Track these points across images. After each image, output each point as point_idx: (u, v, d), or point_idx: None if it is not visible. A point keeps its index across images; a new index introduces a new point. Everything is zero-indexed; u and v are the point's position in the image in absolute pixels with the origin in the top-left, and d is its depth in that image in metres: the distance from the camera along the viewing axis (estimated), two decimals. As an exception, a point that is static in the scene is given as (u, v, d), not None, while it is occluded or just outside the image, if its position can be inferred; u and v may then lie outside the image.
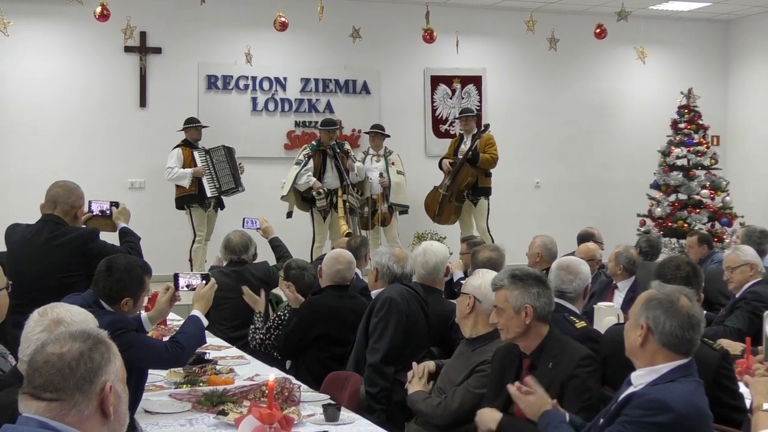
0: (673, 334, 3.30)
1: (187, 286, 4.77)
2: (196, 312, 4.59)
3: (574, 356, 3.94)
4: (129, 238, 5.78)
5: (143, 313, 4.55)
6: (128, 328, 4.13)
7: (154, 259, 5.83)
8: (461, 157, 11.70)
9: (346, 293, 5.95)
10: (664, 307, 3.32)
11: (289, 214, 11.33)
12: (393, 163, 11.96)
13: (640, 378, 3.35)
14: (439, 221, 12.20)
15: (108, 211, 5.89)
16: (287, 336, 5.86)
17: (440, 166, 12.03)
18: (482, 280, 4.57)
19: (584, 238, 8.56)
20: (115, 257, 4.46)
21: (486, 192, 11.90)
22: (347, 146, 11.82)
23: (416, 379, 4.64)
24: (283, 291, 6.26)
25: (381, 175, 11.81)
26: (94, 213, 5.85)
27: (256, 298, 6.35)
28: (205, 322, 4.58)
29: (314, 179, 11.22)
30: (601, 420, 3.43)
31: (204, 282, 4.74)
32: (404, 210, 12.09)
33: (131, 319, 4.37)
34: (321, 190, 11.22)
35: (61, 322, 3.25)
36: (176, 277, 4.81)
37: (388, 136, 12.09)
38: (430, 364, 4.70)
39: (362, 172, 11.72)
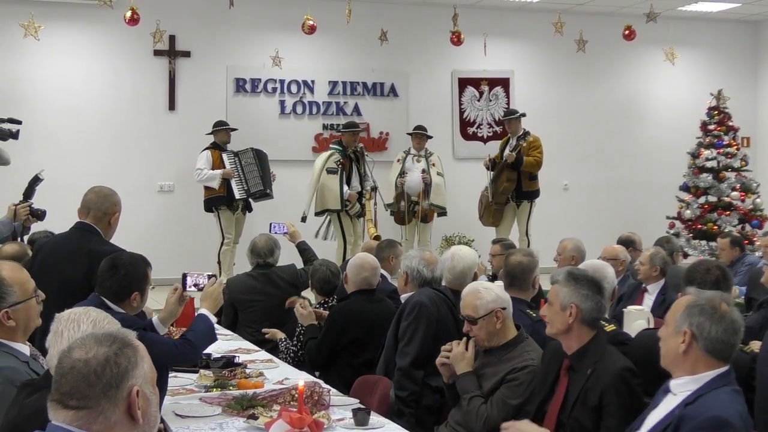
0: (718, 340, 3.26)
1: (195, 285, 4.68)
2: (204, 311, 4.57)
3: (614, 367, 3.90)
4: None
5: (154, 318, 4.53)
6: (137, 326, 4.09)
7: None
8: (505, 160, 11.60)
9: (374, 297, 5.95)
10: (707, 313, 3.28)
11: (305, 219, 11.06)
12: (434, 165, 11.92)
13: (681, 387, 3.29)
14: (482, 222, 12.13)
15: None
16: (319, 345, 5.80)
17: (484, 165, 11.93)
18: (495, 290, 4.56)
19: (625, 243, 8.49)
20: (116, 255, 4.50)
21: (530, 195, 11.78)
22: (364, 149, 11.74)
23: (462, 354, 4.50)
24: (297, 310, 6.13)
25: (423, 171, 11.78)
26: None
27: (304, 313, 6.11)
28: (214, 320, 4.55)
29: (350, 191, 11.19)
30: (638, 431, 3.37)
31: (213, 280, 4.69)
32: (443, 212, 12.04)
33: (140, 320, 4.37)
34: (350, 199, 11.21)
35: (60, 320, 3.26)
36: (184, 277, 4.71)
37: (431, 137, 12.06)
38: (471, 342, 4.61)
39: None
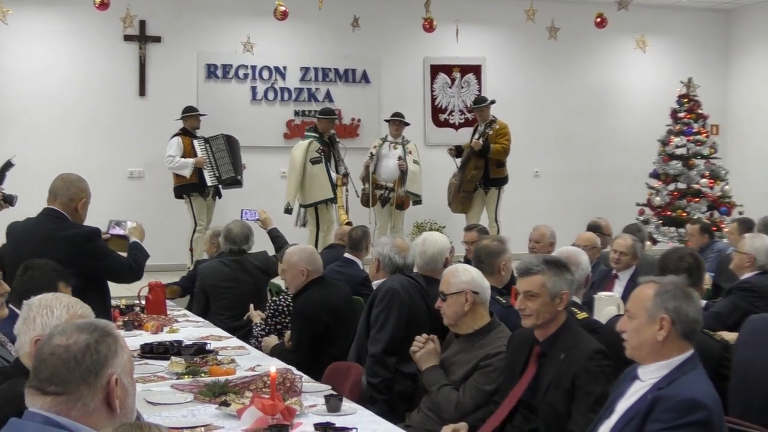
0: (693, 321, 3.30)
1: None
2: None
3: (587, 349, 3.92)
4: (136, 253, 5.81)
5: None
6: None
7: (153, 249, 5.87)
8: (472, 148, 11.59)
9: (326, 282, 5.91)
10: (680, 296, 3.30)
11: (290, 211, 11.14)
12: (410, 152, 11.86)
13: (650, 373, 3.30)
14: (451, 209, 12.12)
15: (125, 230, 6.02)
16: (298, 344, 5.67)
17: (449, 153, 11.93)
18: (470, 272, 4.56)
19: (593, 229, 8.53)
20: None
21: (498, 182, 11.74)
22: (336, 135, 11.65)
23: (427, 351, 4.55)
24: (252, 316, 6.41)
25: (399, 158, 11.75)
26: (111, 233, 5.95)
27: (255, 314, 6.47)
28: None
29: (337, 175, 11.17)
30: (608, 419, 3.39)
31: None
32: (418, 200, 12.01)
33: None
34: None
35: (30, 306, 3.26)
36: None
37: (408, 124, 12.02)
38: (433, 337, 4.63)
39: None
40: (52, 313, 3.18)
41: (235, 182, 11.45)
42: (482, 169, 11.56)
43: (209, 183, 11.21)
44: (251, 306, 6.56)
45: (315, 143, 11.08)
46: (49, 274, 4.44)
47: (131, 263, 5.66)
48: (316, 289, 5.78)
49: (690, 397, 3.13)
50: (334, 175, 11.08)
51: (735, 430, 3.57)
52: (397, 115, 11.99)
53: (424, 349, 4.56)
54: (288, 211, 10.85)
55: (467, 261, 7.74)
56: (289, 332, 5.93)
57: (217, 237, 7.74)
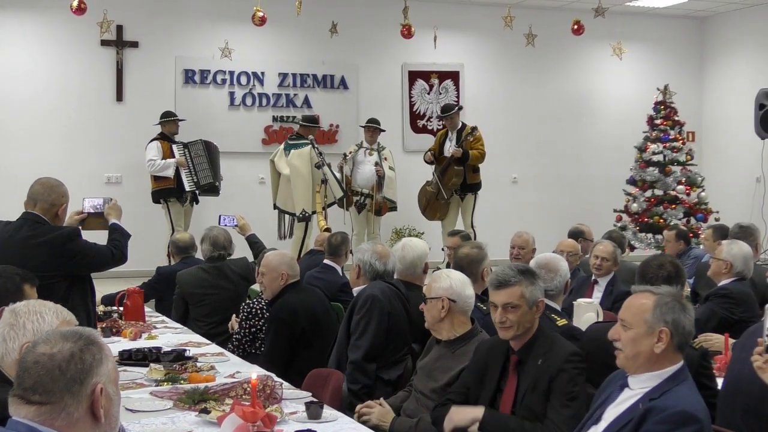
0: (688, 333, 3.31)
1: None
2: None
3: (563, 352, 3.93)
4: (116, 236, 5.69)
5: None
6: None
7: (132, 254, 5.82)
8: (448, 156, 11.59)
9: (301, 287, 5.88)
10: (678, 308, 3.31)
11: (303, 217, 11.23)
12: (386, 158, 11.89)
13: (641, 383, 3.30)
14: (426, 216, 12.15)
15: (101, 208, 5.82)
16: (272, 347, 5.63)
17: (425, 159, 11.95)
18: (450, 279, 4.55)
19: (575, 235, 8.55)
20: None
21: (473, 188, 11.79)
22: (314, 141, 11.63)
23: (380, 413, 4.46)
24: (233, 325, 6.44)
25: (376, 164, 11.76)
26: (87, 211, 5.80)
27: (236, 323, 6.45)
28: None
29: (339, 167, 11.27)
30: (596, 425, 3.39)
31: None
32: (393, 206, 12.03)
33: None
34: None
35: (17, 312, 3.22)
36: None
37: (383, 130, 12.04)
38: (371, 403, 4.58)
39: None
40: (43, 319, 3.16)
41: (213, 189, 11.42)
42: (462, 176, 11.59)
43: (187, 188, 11.19)
44: (234, 317, 6.54)
45: (312, 150, 11.12)
46: (12, 278, 4.37)
47: (112, 251, 5.57)
48: (292, 293, 5.76)
49: (683, 410, 3.13)
50: (338, 174, 11.16)
51: None
52: (372, 121, 12.00)
53: (374, 413, 4.47)
54: (307, 218, 11.06)
55: (449, 266, 7.76)
56: None
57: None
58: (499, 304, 4.01)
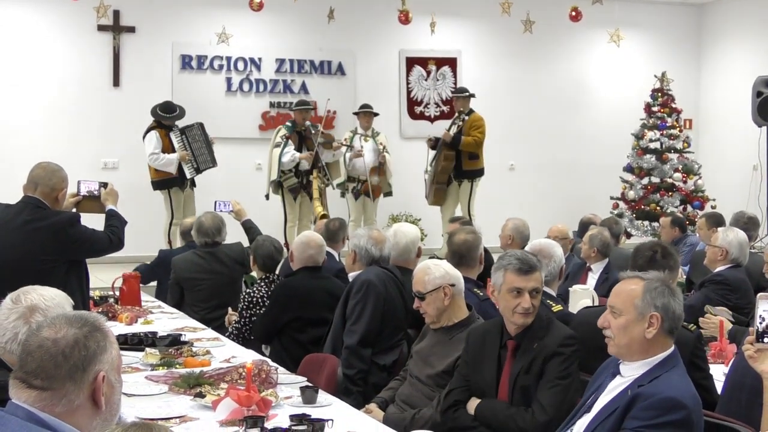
0: (678, 317, 3.31)
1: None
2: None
3: (559, 335, 3.94)
4: (113, 222, 5.70)
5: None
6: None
7: (128, 240, 5.82)
8: (442, 138, 11.55)
9: (319, 274, 5.95)
10: (667, 293, 3.31)
11: (267, 196, 11.32)
12: (381, 144, 11.85)
13: (632, 370, 3.30)
14: (428, 201, 12.10)
15: (97, 192, 5.81)
16: (262, 319, 5.87)
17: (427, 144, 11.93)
18: (441, 267, 4.56)
19: (586, 224, 8.57)
20: None
21: (471, 174, 11.68)
22: (320, 127, 11.63)
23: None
24: (228, 318, 6.45)
25: (382, 145, 11.70)
26: (82, 194, 5.79)
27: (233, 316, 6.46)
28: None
29: (299, 153, 11.13)
30: (587, 414, 3.40)
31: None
32: (389, 192, 12.03)
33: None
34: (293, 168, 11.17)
35: (35, 309, 3.22)
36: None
37: (377, 114, 11.99)
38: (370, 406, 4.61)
39: (339, 155, 11.64)
40: (63, 309, 3.17)
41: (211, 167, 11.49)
42: (454, 161, 11.53)
43: (188, 176, 11.19)
44: (230, 309, 6.56)
45: (282, 130, 11.27)
46: None
47: (110, 237, 5.58)
48: (301, 277, 5.86)
49: (670, 396, 3.13)
50: (286, 161, 11.08)
51: (719, 425, 3.59)
52: (365, 106, 11.95)
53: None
54: (267, 197, 11.32)
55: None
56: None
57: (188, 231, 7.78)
58: (526, 290, 3.97)
